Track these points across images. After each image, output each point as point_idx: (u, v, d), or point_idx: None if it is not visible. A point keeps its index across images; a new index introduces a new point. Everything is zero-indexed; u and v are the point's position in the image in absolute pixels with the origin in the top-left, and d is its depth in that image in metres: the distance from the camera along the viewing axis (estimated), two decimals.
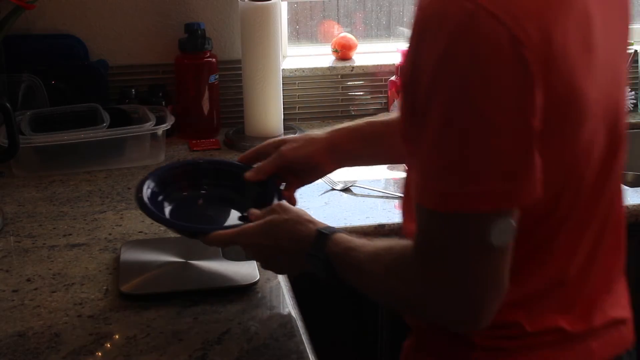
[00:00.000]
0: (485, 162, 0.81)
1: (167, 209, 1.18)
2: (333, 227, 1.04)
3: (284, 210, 1.09)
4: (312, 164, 1.23)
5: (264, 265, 1.11)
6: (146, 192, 1.16)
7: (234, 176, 1.22)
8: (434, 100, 0.81)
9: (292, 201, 1.20)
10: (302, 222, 1.07)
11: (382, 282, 0.97)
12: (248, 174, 1.22)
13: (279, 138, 1.26)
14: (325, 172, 1.27)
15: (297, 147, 1.22)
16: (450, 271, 0.86)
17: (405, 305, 0.98)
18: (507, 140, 0.80)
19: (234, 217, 1.19)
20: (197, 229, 1.13)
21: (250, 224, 1.09)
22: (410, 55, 0.85)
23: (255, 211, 1.12)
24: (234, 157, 1.81)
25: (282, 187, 1.20)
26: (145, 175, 1.20)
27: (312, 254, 1.03)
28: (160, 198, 1.18)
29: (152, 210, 1.14)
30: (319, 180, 1.67)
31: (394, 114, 1.32)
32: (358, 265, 0.99)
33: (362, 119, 1.29)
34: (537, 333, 0.96)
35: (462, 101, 0.79)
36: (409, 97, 0.88)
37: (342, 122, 2.10)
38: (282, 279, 1.21)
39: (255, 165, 1.23)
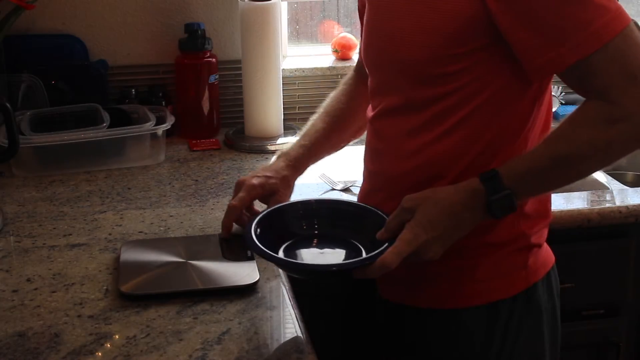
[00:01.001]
0: None
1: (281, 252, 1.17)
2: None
3: (416, 197, 1.11)
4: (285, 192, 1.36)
5: (438, 255, 1.10)
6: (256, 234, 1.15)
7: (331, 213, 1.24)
8: None
9: None
10: (448, 192, 1.11)
11: (593, 145, 1.05)
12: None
13: (265, 186, 1.32)
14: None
15: (289, 195, 1.35)
16: None
17: (624, 143, 1.05)
18: None
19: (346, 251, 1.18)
20: (350, 264, 1.12)
21: (402, 233, 1.09)
22: None
23: (382, 232, 1.13)
24: (234, 157, 1.82)
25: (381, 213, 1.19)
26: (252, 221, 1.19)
27: (495, 199, 1.07)
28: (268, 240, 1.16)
29: (289, 260, 1.14)
30: (319, 180, 1.68)
31: (324, 115, 1.46)
32: (552, 163, 1.07)
33: (308, 138, 1.41)
34: None
35: None
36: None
37: None
38: (282, 279, 1.21)
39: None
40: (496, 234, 1.18)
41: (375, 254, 1.07)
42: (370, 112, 1.28)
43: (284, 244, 1.18)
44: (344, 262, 1.16)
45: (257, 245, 1.11)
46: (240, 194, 1.30)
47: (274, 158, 1.41)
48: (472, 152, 1.14)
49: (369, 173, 1.29)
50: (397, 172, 1.20)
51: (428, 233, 1.08)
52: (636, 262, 1.63)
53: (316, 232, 1.22)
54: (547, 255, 1.26)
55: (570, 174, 1.09)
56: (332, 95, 1.49)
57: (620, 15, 1.03)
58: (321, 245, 1.20)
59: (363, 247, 1.17)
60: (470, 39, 1.09)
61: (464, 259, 1.18)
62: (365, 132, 1.32)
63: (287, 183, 1.36)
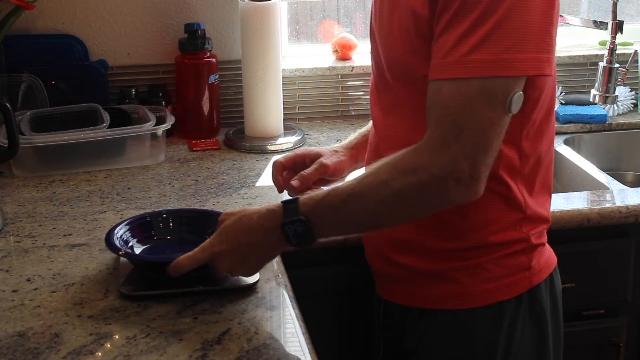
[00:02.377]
0: (523, 33, 0.99)
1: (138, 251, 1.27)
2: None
3: (229, 213, 1.15)
4: (341, 176, 1.41)
5: (234, 271, 1.14)
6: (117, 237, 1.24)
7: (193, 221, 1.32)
8: None
9: None
10: (252, 211, 1.13)
11: (389, 185, 1.04)
12: (295, 182, 1.33)
13: (313, 150, 1.40)
14: (343, 180, 1.42)
15: (337, 162, 1.38)
16: (469, 137, 1.00)
17: (422, 194, 1.04)
18: (540, 18, 1.01)
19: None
20: (158, 258, 1.21)
21: (206, 240, 1.14)
22: None
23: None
24: (234, 157, 1.82)
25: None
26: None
27: (287, 222, 1.07)
28: (130, 244, 1.26)
29: (117, 247, 1.22)
30: None
31: None
32: (347, 197, 1.06)
33: (368, 126, 1.43)
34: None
35: None
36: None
37: (342, 122, 2.11)
38: (282, 279, 1.21)
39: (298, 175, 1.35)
40: (498, 235, 1.18)
41: (168, 257, 1.15)
42: (370, 110, 1.29)
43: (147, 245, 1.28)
44: (151, 257, 1.25)
45: (112, 243, 1.21)
46: (287, 154, 1.40)
47: None
48: None
49: None
50: None
51: (222, 245, 1.11)
52: (636, 262, 1.63)
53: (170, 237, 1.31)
54: (550, 256, 1.26)
55: (366, 214, 1.07)
56: None
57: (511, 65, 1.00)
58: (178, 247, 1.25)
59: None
60: (424, 42, 1.09)
61: (466, 259, 1.18)
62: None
63: (335, 154, 1.40)
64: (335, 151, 1.41)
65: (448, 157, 1.01)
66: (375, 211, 1.07)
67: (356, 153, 1.43)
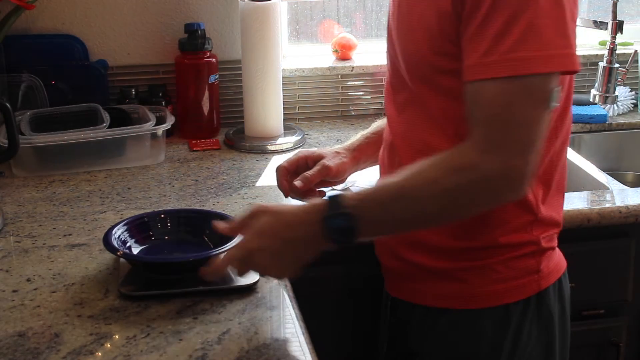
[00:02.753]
0: (556, 30, 1.01)
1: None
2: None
3: (264, 208, 1.10)
4: (343, 178, 1.42)
5: (268, 270, 1.10)
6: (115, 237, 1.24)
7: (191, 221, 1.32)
8: None
9: None
10: (293, 206, 1.10)
11: (439, 183, 1.03)
12: (298, 183, 1.33)
13: (316, 152, 1.40)
14: (343, 182, 1.45)
15: (340, 164, 1.38)
16: (517, 135, 1.01)
17: (473, 192, 1.04)
18: (568, 15, 1.02)
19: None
20: (156, 259, 1.22)
21: (242, 237, 1.10)
22: None
23: (220, 223, 1.15)
24: (234, 157, 1.82)
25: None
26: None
27: (330, 215, 1.04)
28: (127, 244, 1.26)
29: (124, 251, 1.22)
30: None
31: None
32: (396, 194, 1.05)
33: (371, 129, 1.46)
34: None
35: None
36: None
37: (342, 122, 2.10)
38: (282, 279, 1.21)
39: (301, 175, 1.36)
40: (509, 236, 1.17)
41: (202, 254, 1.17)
42: (385, 107, 1.30)
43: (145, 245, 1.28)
44: (149, 257, 1.25)
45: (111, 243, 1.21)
46: (289, 158, 1.40)
47: None
48: None
49: (384, 168, 1.30)
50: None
51: (261, 241, 1.06)
52: (636, 262, 1.63)
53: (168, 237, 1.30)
54: (559, 260, 1.26)
55: (414, 211, 1.06)
56: None
57: (558, 57, 1.01)
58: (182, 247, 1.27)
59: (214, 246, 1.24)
60: (448, 40, 1.09)
61: (475, 259, 1.18)
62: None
63: (337, 155, 1.40)
64: (337, 153, 1.41)
65: (498, 156, 1.02)
66: (424, 209, 1.05)
67: (358, 155, 1.43)
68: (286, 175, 1.38)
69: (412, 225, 1.12)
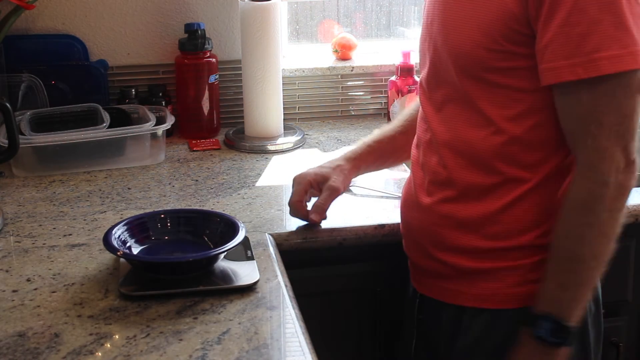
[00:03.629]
0: (636, 27, 1.04)
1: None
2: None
3: None
4: (346, 190, 1.44)
5: None
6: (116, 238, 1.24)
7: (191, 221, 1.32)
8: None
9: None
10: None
11: (592, 228, 1.10)
12: (314, 217, 1.38)
13: (319, 173, 1.41)
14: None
15: (344, 180, 1.40)
16: (620, 130, 1.06)
17: (611, 205, 1.10)
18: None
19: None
20: (156, 259, 1.22)
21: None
22: None
23: None
24: (234, 157, 1.82)
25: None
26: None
27: (546, 337, 1.12)
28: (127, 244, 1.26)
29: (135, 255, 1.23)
30: None
31: (392, 123, 1.49)
32: (569, 270, 1.11)
33: (372, 136, 1.47)
34: None
35: None
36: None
37: (342, 122, 2.11)
38: (282, 279, 1.21)
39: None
40: (543, 238, 1.18)
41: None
42: (421, 104, 1.30)
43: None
44: (148, 257, 1.24)
45: (112, 244, 1.20)
46: (295, 188, 1.39)
47: None
48: (513, 148, 1.16)
49: (418, 167, 1.30)
50: (451, 165, 1.22)
51: None
52: (636, 262, 1.63)
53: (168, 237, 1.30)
54: None
55: (593, 266, 1.12)
56: (411, 105, 1.50)
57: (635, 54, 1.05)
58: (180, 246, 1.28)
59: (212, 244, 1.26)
60: (506, 39, 1.10)
61: (511, 260, 1.18)
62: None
63: (341, 172, 1.41)
64: (339, 166, 1.42)
65: (606, 160, 1.07)
66: (598, 254, 1.12)
67: (359, 163, 1.44)
68: (304, 211, 1.39)
69: (600, 268, 1.14)
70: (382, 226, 1.44)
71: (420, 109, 1.30)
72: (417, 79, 2.03)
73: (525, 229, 1.17)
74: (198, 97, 1.95)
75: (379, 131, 1.48)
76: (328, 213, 1.41)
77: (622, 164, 1.08)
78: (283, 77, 1.99)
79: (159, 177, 1.69)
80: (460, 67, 1.17)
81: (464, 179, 1.20)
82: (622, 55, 1.03)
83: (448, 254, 1.23)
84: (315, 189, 1.40)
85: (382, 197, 1.58)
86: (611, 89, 1.05)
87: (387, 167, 1.51)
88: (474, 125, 1.17)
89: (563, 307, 1.12)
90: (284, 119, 1.98)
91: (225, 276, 1.19)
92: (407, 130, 1.44)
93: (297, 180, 1.41)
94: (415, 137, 1.33)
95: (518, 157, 1.16)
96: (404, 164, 1.78)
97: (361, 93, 2.15)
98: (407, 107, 1.53)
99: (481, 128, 1.17)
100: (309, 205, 1.41)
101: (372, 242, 1.44)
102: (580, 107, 1.07)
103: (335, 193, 1.39)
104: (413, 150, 1.33)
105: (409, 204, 1.31)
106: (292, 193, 1.40)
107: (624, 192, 1.10)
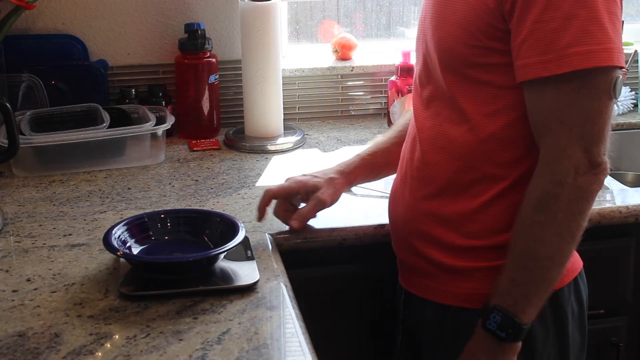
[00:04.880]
0: (611, 25, 1.03)
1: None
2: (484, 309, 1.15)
3: None
4: (333, 204, 1.40)
5: None
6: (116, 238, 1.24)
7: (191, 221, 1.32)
8: None
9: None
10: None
11: (546, 228, 1.08)
12: (295, 223, 1.36)
13: (310, 182, 1.38)
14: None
15: (333, 193, 1.38)
16: (583, 131, 1.05)
17: (568, 206, 1.08)
18: (618, 11, 1.06)
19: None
20: (156, 259, 1.22)
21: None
22: None
23: None
24: (234, 157, 1.82)
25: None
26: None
27: (494, 329, 1.12)
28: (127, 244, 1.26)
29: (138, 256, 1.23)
30: None
31: (387, 134, 1.48)
32: (521, 266, 1.11)
33: (367, 149, 1.45)
34: None
35: None
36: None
37: (342, 122, 2.11)
38: (282, 279, 1.21)
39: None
40: None
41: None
42: (412, 102, 1.30)
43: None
44: (148, 257, 1.24)
45: (112, 244, 1.20)
46: (282, 183, 1.38)
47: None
48: (489, 145, 1.16)
49: (404, 162, 1.30)
50: (432, 162, 1.22)
51: None
52: (636, 262, 1.63)
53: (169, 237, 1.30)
54: (575, 260, 1.26)
55: (546, 264, 1.11)
56: (405, 115, 1.50)
57: (608, 51, 1.03)
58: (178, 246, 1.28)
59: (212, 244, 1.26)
60: (484, 35, 1.11)
61: (491, 259, 1.18)
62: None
63: (332, 184, 1.39)
64: (332, 179, 1.40)
65: (563, 160, 1.06)
66: (551, 255, 1.10)
67: (353, 177, 1.43)
68: (270, 201, 1.37)
69: (555, 269, 1.13)
70: (382, 226, 1.44)
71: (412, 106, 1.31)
72: None
73: (501, 228, 1.17)
74: (198, 97, 1.95)
75: (374, 143, 1.47)
76: (328, 213, 1.40)
77: (583, 166, 1.06)
78: (283, 77, 1.99)
79: (159, 177, 1.69)
80: (444, 63, 1.17)
81: (444, 176, 1.20)
82: (597, 51, 1.02)
83: (430, 250, 1.23)
84: (302, 196, 1.39)
85: (382, 197, 1.58)
86: (575, 88, 1.04)
87: (382, 177, 1.49)
88: (453, 122, 1.18)
89: (513, 302, 1.11)
90: (284, 119, 1.98)
91: (225, 276, 1.19)
92: (402, 141, 1.44)
93: (288, 180, 1.40)
94: (407, 133, 1.33)
95: (495, 154, 1.16)
96: None
97: (361, 93, 2.15)
98: (403, 116, 1.52)
99: (460, 124, 1.17)
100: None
101: (372, 242, 1.44)
102: (544, 104, 1.07)
103: (321, 205, 1.37)
104: (402, 147, 1.34)
105: (395, 199, 1.32)
106: (277, 185, 1.39)
107: (584, 196, 1.08)
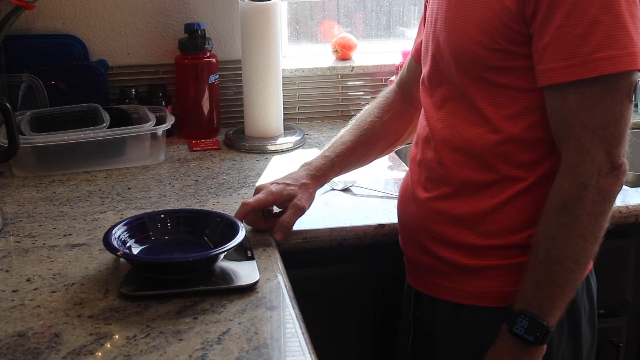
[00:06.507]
0: (634, 29, 1.05)
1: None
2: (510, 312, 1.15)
3: None
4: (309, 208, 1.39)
5: None
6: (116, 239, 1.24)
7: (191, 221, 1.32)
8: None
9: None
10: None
11: (570, 229, 1.09)
12: (279, 236, 1.34)
13: (284, 192, 1.36)
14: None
15: (309, 197, 1.38)
16: (605, 135, 1.06)
17: (592, 208, 1.09)
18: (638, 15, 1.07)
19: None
20: (156, 259, 1.21)
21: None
22: None
23: None
24: (234, 157, 1.82)
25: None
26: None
27: (521, 334, 1.12)
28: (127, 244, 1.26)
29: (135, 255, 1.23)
30: None
31: (351, 131, 1.47)
32: (545, 269, 1.11)
33: (333, 151, 1.44)
34: None
35: None
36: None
37: (342, 122, 2.12)
38: (282, 279, 1.21)
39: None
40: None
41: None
42: (422, 101, 1.30)
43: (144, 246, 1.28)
44: (149, 257, 1.24)
45: (112, 245, 1.20)
46: (258, 195, 1.35)
47: (297, 167, 1.43)
48: (509, 147, 1.16)
49: (415, 164, 1.30)
50: (448, 162, 1.22)
51: None
52: (636, 262, 1.63)
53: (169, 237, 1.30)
54: None
55: (570, 267, 1.11)
56: (366, 107, 1.50)
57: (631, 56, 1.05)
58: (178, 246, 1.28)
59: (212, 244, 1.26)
60: (504, 38, 1.11)
61: (505, 258, 1.19)
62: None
63: (306, 190, 1.38)
64: (304, 185, 1.39)
65: (587, 162, 1.07)
66: (576, 257, 1.11)
67: (323, 180, 1.43)
68: (247, 215, 1.34)
69: (579, 270, 1.13)
70: (382, 226, 1.44)
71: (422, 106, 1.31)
72: None
73: (519, 227, 1.17)
74: (198, 97, 1.95)
75: (341, 142, 1.45)
76: (328, 213, 1.40)
77: (605, 168, 1.07)
78: (283, 77, 1.99)
79: (159, 177, 1.69)
80: (460, 66, 1.17)
81: (460, 176, 1.20)
82: (622, 55, 1.03)
83: (443, 250, 1.23)
84: (278, 205, 1.38)
85: (382, 197, 1.58)
86: (598, 92, 1.05)
87: (363, 165, 1.50)
88: (471, 123, 1.18)
89: (539, 305, 1.12)
90: (284, 119, 1.98)
91: (226, 276, 1.19)
92: (369, 140, 1.44)
93: (263, 192, 1.36)
94: (415, 135, 1.33)
95: (514, 156, 1.16)
96: (403, 164, 1.78)
97: (361, 93, 2.15)
98: (366, 111, 1.49)
99: (478, 126, 1.17)
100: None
101: (372, 242, 1.44)
102: (566, 108, 1.07)
103: (300, 212, 1.36)
104: (412, 148, 1.34)
105: (405, 199, 1.32)
106: (253, 198, 1.36)
107: (607, 197, 1.09)
